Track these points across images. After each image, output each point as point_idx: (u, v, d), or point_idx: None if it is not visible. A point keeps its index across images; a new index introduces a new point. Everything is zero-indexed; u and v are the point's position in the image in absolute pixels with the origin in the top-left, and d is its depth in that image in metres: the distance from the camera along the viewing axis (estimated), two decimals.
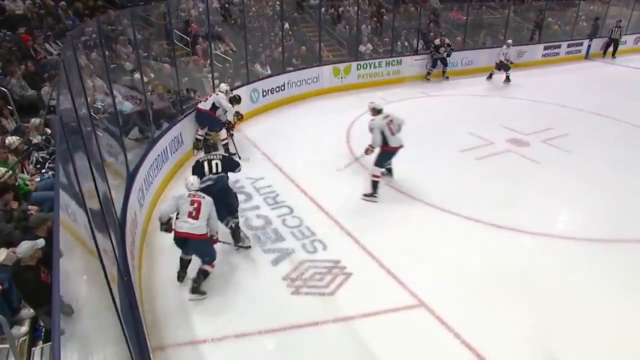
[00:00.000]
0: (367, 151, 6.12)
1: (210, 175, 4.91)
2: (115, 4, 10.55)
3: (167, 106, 7.36)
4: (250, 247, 5.12)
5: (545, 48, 15.25)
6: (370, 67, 11.74)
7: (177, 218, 4.35)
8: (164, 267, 4.76)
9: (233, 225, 5.05)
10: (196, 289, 4.37)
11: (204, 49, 9.25)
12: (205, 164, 4.96)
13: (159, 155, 6.01)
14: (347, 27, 13.06)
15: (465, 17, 14.31)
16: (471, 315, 4.20)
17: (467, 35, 14.18)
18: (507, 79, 12.49)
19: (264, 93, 9.44)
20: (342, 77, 11.19)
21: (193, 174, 4.75)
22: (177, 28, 8.79)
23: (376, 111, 6.16)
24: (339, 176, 6.76)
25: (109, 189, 4.02)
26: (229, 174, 5.14)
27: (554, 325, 4.12)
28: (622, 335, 2.81)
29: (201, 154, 5.29)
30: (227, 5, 10.94)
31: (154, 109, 6.75)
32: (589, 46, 15.67)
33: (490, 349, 3.82)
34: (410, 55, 12.55)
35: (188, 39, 9.18)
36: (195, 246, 4.36)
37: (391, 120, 6.01)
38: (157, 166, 5.94)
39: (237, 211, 5.15)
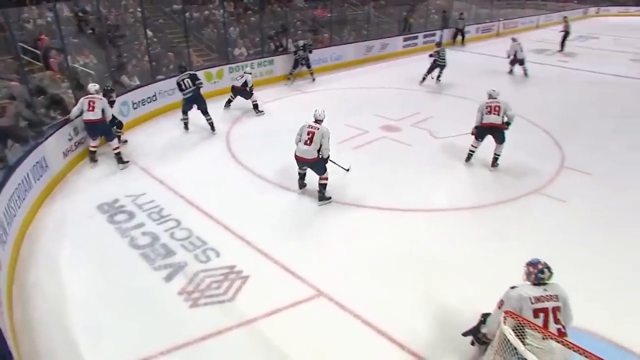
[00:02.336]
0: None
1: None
2: None
3: (22, 128, 6.63)
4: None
5: (405, 39, 16.64)
6: (243, 70, 11.69)
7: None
8: (41, 304, 4.35)
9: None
10: (322, 197, 6.08)
11: (59, 63, 8.45)
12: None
13: (19, 184, 5.41)
14: (215, 30, 12.88)
15: (330, 15, 15.00)
16: (368, 296, 4.48)
17: (333, 31, 14.89)
18: (525, 72, 13.41)
19: (135, 105, 8.95)
20: (215, 82, 11.04)
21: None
22: (22, 40, 7.94)
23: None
24: (222, 182, 6.81)
25: None
26: None
27: (444, 290, 4.55)
28: (499, 286, 3.31)
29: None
30: (80, 14, 10.10)
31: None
32: (441, 36, 17.39)
33: (389, 322, 4.12)
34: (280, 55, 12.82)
35: (38, 52, 8.34)
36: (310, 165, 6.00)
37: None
38: (19, 196, 5.35)
39: None
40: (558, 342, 2.74)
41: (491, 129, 7.03)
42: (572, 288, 3.25)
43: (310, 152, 5.87)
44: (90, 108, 6.86)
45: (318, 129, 5.86)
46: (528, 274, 3.24)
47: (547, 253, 3.45)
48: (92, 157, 7.26)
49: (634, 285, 4.70)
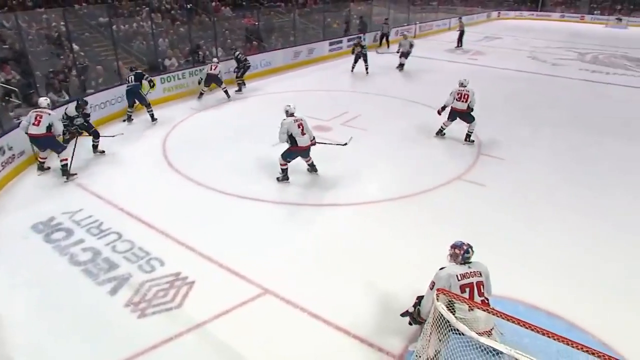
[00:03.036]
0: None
1: None
2: None
3: None
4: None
5: (330, 44, 17.22)
6: (175, 80, 11.69)
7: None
8: None
9: None
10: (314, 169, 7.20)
11: None
12: None
13: None
14: (144, 42, 12.67)
15: (257, 23, 15.21)
16: (311, 289, 4.69)
17: (261, 38, 15.11)
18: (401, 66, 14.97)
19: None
20: (148, 93, 10.86)
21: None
22: None
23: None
24: (160, 190, 6.84)
25: None
26: None
27: (381, 277, 4.87)
28: (432, 267, 3.64)
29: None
30: None
31: None
32: (364, 39, 18.05)
33: (334, 312, 4.34)
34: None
35: None
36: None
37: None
38: None
39: None
40: (483, 310, 3.09)
41: (460, 113, 8.40)
42: (492, 262, 3.68)
43: (307, 140, 6.75)
44: (36, 122, 6.80)
45: (302, 119, 6.77)
46: (454, 255, 3.56)
47: (472, 233, 3.87)
48: (41, 166, 7.32)
49: (542, 254, 5.35)
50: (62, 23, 10.46)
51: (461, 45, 20.25)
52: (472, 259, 3.57)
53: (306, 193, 6.72)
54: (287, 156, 6.87)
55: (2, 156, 6.91)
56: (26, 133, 6.95)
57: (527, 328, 2.68)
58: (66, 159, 7.12)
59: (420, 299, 3.86)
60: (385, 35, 19.25)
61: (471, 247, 3.56)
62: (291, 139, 6.70)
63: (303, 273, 4.99)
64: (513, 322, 2.74)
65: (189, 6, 14.58)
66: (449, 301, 3.19)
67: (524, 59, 18.12)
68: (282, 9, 18.48)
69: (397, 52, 15.14)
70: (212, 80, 11.24)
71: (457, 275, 3.44)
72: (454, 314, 3.07)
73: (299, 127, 6.67)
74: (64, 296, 4.66)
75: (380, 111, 10.77)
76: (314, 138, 6.96)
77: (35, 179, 7.22)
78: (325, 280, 4.86)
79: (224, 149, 6.32)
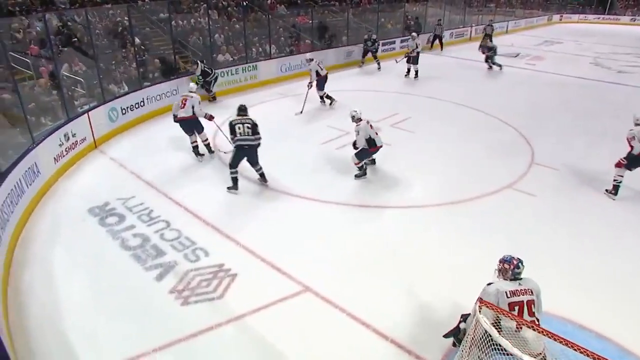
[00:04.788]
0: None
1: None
2: None
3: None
4: None
5: (383, 44, 17.03)
6: (227, 75, 12.00)
7: None
8: (36, 307, 4.45)
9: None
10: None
11: (49, 71, 8.57)
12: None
13: (12, 189, 5.51)
14: (200, 38, 13.08)
15: (311, 21, 15.31)
16: (352, 290, 4.67)
17: (314, 37, 15.20)
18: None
19: (123, 111, 9.12)
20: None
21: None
22: (12, 50, 8.05)
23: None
24: (210, 184, 7.01)
25: None
26: None
27: (422, 283, 4.78)
28: (476, 278, 3.48)
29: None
30: (69, 24, 10.23)
31: None
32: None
33: (372, 315, 4.30)
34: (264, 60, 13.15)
35: (28, 61, 8.45)
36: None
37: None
38: (11, 202, 5.45)
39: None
40: (530, 327, 2.88)
41: None
42: (542, 277, 3.49)
43: (381, 139, 7.05)
44: (182, 105, 7.44)
45: (369, 120, 7.02)
46: (503, 271, 3.34)
47: (520, 245, 3.69)
48: (196, 152, 7.85)
49: (593, 272, 5.06)
50: (125, 18, 10.99)
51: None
52: (523, 275, 3.38)
53: (352, 194, 6.70)
54: (364, 156, 7.05)
55: (67, 142, 7.33)
56: (175, 119, 7.55)
57: (577, 351, 2.51)
58: (207, 139, 7.82)
59: (465, 317, 3.70)
60: (437, 37, 18.81)
61: (521, 262, 3.35)
62: (369, 141, 6.83)
63: (345, 273, 4.98)
64: (561, 342, 2.58)
65: (245, 3, 14.90)
66: (495, 319, 3.01)
67: (586, 65, 17.15)
68: (336, 7, 18.49)
69: (405, 57, 14.15)
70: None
71: (506, 292, 3.22)
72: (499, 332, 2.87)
73: (371, 127, 6.87)
74: (115, 279, 4.89)
75: (431, 114, 10.56)
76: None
77: (94, 165, 7.63)
78: (367, 282, 4.82)
79: (270, 147, 6.42)
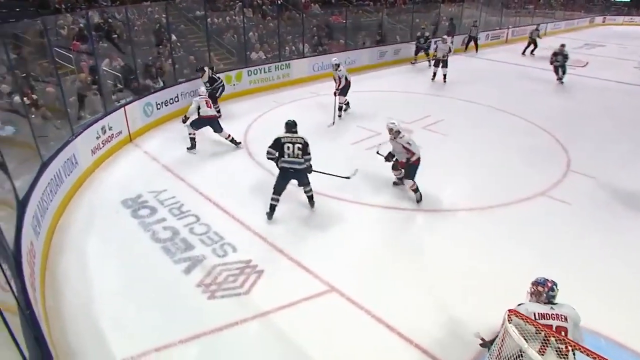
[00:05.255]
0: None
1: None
2: None
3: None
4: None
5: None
6: (260, 73, 12.15)
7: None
8: (70, 293, 4.61)
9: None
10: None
11: (90, 66, 8.87)
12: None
13: (52, 179, 5.74)
14: (234, 35, 13.27)
15: (345, 21, 15.29)
16: (377, 292, 4.65)
17: (348, 37, 15.17)
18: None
19: (158, 106, 9.35)
20: (234, 84, 11.41)
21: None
22: (57, 45, 8.35)
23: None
24: (240, 180, 7.08)
25: None
26: None
27: (449, 288, 4.71)
28: (504, 286, 3.37)
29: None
30: (109, 21, 10.57)
31: None
32: (452, 42, 17.48)
33: (398, 319, 4.27)
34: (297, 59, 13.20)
35: (71, 56, 8.77)
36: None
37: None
38: (51, 191, 5.67)
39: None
40: (556, 338, 2.79)
41: None
42: (571, 288, 3.39)
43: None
44: (209, 106, 8.14)
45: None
46: (537, 294, 3.23)
47: (550, 254, 3.57)
48: (193, 143, 8.14)
49: (629, 285, 4.84)
50: (163, 15, 11.25)
51: (524, 53, 18.35)
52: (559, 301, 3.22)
53: (381, 196, 6.63)
54: (413, 173, 6.40)
55: (103, 135, 7.57)
56: (199, 116, 7.97)
57: None
58: (229, 134, 8.26)
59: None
60: (473, 39, 18.48)
61: (556, 285, 3.23)
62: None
63: (371, 275, 4.95)
64: (594, 357, 2.49)
65: (279, 2, 15.02)
66: (518, 352, 2.85)
67: (629, 70, 16.42)
68: (371, 7, 18.40)
69: (432, 59, 14.07)
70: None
71: (534, 314, 3.09)
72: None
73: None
74: (145, 270, 5.02)
75: (464, 117, 10.35)
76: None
77: (129, 158, 7.85)
78: (392, 285, 4.79)
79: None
